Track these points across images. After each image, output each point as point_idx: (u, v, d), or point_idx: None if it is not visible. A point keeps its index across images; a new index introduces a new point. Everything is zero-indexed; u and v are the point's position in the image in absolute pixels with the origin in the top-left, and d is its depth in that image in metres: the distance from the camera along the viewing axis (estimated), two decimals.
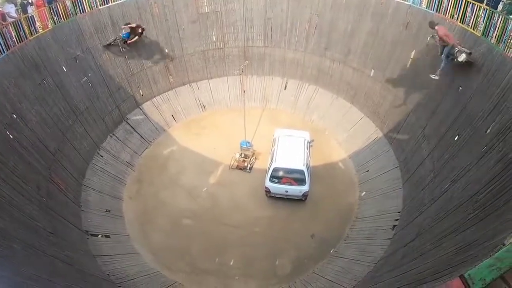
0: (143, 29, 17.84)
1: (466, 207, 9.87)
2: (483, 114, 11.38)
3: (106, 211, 15.23)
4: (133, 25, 17.51)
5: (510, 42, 11.80)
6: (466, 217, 9.45)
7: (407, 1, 16.46)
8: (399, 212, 14.37)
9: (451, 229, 9.65)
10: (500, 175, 9.26)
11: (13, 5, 15.41)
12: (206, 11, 20.42)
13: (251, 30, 21.14)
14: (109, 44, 17.56)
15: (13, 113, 12.68)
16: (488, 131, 10.82)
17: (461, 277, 1.80)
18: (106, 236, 14.33)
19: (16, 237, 9.97)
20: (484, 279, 1.74)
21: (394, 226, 13.96)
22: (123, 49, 18.10)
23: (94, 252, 13.21)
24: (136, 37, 17.74)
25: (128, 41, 17.65)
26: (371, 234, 14.31)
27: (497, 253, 1.78)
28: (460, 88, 13.21)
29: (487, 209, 8.83)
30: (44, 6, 15.58)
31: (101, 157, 16.78)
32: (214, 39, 21.14)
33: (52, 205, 12.79)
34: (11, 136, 11.96)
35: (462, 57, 12.56)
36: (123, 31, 17.50)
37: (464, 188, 10.65)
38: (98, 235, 14.15)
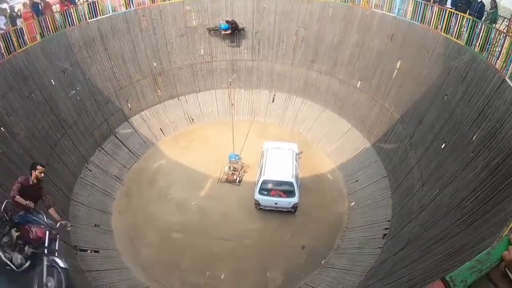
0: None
1: (454, 213, 9.99)
2: (469, 121, 11.59)
3: (95, 225, 15.04)
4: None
5: (493, 50, 12.10)
6: (454, 223, 9.57)
7: (391, 13, 16.81)
8: (388, 221, 14.46)
9: (440, 236, 9.76)
10: (486, 181, 9.42)
11: (3, 17, 15.38)
12: (194, 24, 20.63)
13: (239, 44, 21.35)
14: None
15: (1, 126, 12.56)
16: (474, 138, 11.00)
17: (442, 279, 1.84)
18: (95, 251, 14.12)
19: None
20: (466, 281, 1.79)
21: (384, 235, 14.03)
22: None
23: (83, 267, 12.98)
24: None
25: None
26: (362, 244, 14.34)
27: (478, 256, 1.83)
28: (446, 96, 13.45)
29: (475, 214, 8.96)
30: (33, 18, 15.53)
31: (89, 171, 16.64)
32: (202, 52, 21.33)
33: None
34: None
35: None
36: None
37: (452, 195, 10.78)
38: (87, 250, 13.94)
